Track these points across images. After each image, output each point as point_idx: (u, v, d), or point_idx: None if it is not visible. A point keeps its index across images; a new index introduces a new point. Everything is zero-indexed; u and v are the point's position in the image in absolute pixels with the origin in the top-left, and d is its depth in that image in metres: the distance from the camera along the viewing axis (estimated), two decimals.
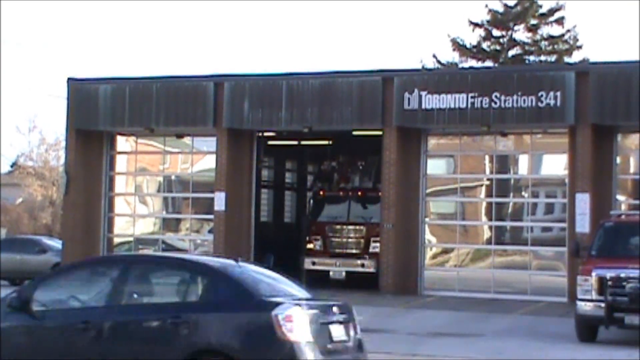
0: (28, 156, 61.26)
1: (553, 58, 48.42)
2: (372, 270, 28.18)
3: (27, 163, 60.95)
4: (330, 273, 29.12)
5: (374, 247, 28.37)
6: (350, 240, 29.21)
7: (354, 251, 29.00)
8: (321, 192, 30.41)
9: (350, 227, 29.24)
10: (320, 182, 31.02)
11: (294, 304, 10.74)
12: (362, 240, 28.96)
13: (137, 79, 30.79)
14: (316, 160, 33.37)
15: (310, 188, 32.66)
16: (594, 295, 17.68)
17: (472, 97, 26.14)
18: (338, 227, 29.37)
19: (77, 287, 11.70)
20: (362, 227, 29.04)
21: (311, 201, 31.10)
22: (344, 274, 28.96)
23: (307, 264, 29.02)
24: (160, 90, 29.62)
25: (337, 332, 11.24)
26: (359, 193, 29.57)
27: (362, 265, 28.42)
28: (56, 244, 34.06)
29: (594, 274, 17.79)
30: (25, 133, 60.44)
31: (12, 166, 66.04)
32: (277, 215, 35.22)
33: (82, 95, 30.57)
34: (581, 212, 24.91)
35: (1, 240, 40.86)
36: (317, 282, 28.82)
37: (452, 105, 26.32)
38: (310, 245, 29.54)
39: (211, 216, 29.17)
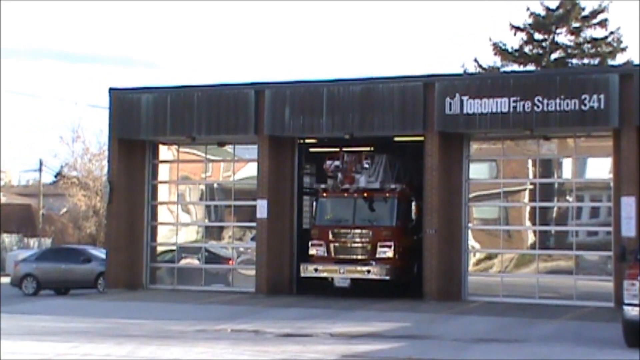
0: (72, 166, 61.80)
1: (596, 61, 47.89)
2: (379, 277, 26.82)
3: (71, 173, 61.47)
4: (335, 280, 27.40)
5: (382, 252, 27.14)
6: (355, 245, 27.60)
7: (359, 257, 27.42)
8: (324, 194, 28.53)
9: (356, 230, 27.65)
10: (324, 183, 28.89)
11: None
12: (368, 245, 27.40)
13: (178, 88, 30.92)
14: None
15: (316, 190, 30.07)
16: None
17: (514, 101, 25.94)
18: (342, 231, 27.77)
19: None
20: (368, 231, 27.52)
21: (314, 203, 29.04)
22: (349, 281, 27.18)
23: (310, 270, 27.57)
24: (202, 99, 29.73)
25: None
26: (365, 194, 27.85)
27: (368, 272, 26.86)
28: (100, 253, 34.30)
29: None
30: (69, 143, 61.03)
31: (56, 176, 66.67)
32: None
33: (124, 104, 30.77)
34: (627, 216, 24.62)
35: (47, 250, 41.25)
36: (320, 290, 27.89)
37: (494, 110, 26.14)
38: (312, 251, 27.96)
39: (253, 224, 29.18)
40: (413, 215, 27.83)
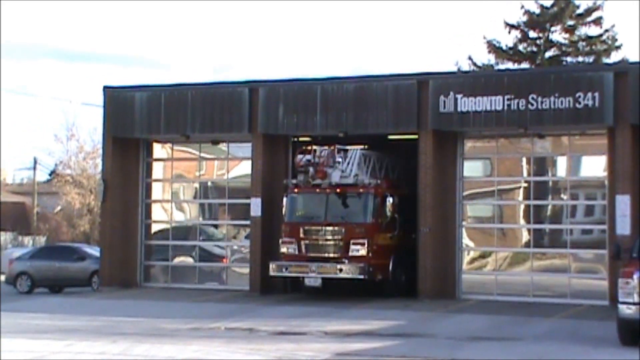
0: (66, 164, 61.72)
1: (591, 59, 47.87)
2: (351, 275, 25.81)
3: (65, 171, 61.39)
4: (305, 280, 26.33)
5: (355, 250, 26.05)
6: (327, 242, 26.35)
7: (332, 255, 26.26)
8: (295, 189, 27.23)
9: (328, 228, 26.37)
10: (295, 178, 27.55)
11: None
12: (341, 243, 26.18)
13: (172, 86, 30.89)
14: None
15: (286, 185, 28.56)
16: (636, 298, 17.40)
17: (508, 99, 25.93)
18: (314, 228, 26.51)
19: None
20: (341, 228, 26.23)
21: (284, 199, 27.60)
22: (320, 280, 26.13)
23: (279, 269, 26.64)
24: (196, 97, 29.69)
25: None
26: (338, 190, 26.62)
27: (340, 271, 25.76)
28: (94, 251, 34.29)
29: (635, 276, 17.52)
30: (64, 141, 60.93)
31: (50, 175, 66.55)
32: None
33: (118, 103, 30.73)
34: (622, 214, 24.63)
35: (41, 248, 41.19)
36: (291, 289, 27.50)
37: (488, 108, 26.13)
38: (283, 249, 26.89)
39: (247, 222, 29.15)
40: (388, 212, 26.83)
